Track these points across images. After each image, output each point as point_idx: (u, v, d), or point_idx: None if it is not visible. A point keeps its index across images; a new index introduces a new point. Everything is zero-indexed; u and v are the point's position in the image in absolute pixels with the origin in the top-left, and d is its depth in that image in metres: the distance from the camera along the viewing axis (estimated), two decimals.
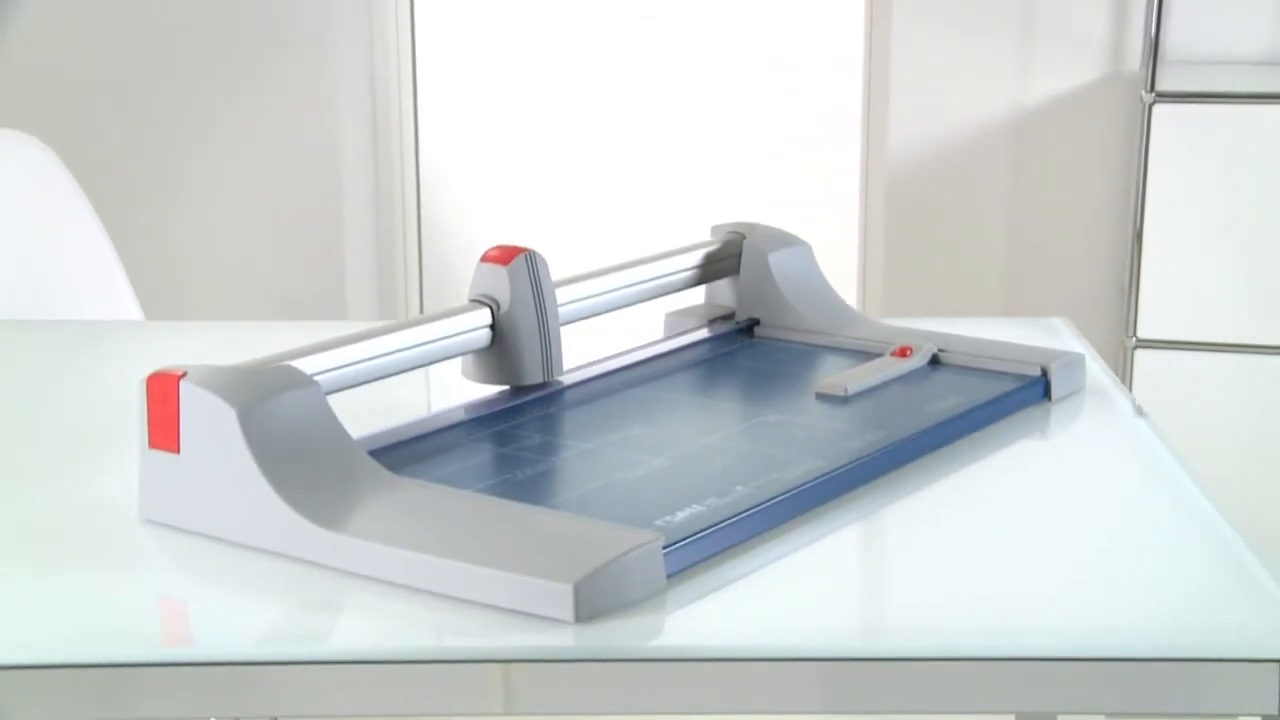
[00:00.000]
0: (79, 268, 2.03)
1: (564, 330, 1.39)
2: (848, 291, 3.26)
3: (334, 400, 1.18)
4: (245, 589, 0.91)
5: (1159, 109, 2.56)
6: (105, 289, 2.04)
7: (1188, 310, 2.61)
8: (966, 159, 2.85)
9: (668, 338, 1.32)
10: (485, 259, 1.16)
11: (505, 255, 1.15)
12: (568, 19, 3.26)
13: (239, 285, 3.12)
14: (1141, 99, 2.60)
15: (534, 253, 1.16)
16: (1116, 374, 2.79)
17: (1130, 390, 2.66)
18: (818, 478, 1.00)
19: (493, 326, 1.15)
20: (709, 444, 1.07)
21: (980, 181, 2.85)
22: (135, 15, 3.03)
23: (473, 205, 3.37)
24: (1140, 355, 2.62)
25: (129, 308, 2.05)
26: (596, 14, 3.28)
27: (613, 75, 3.30)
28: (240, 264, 3.11)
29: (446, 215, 3.36)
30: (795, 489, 0.98)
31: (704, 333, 1.33)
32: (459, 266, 3.34)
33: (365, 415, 1.10)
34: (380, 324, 1.12)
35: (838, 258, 3.28)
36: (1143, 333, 2.62)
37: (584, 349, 1.30)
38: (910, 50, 2.83)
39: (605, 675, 0.83)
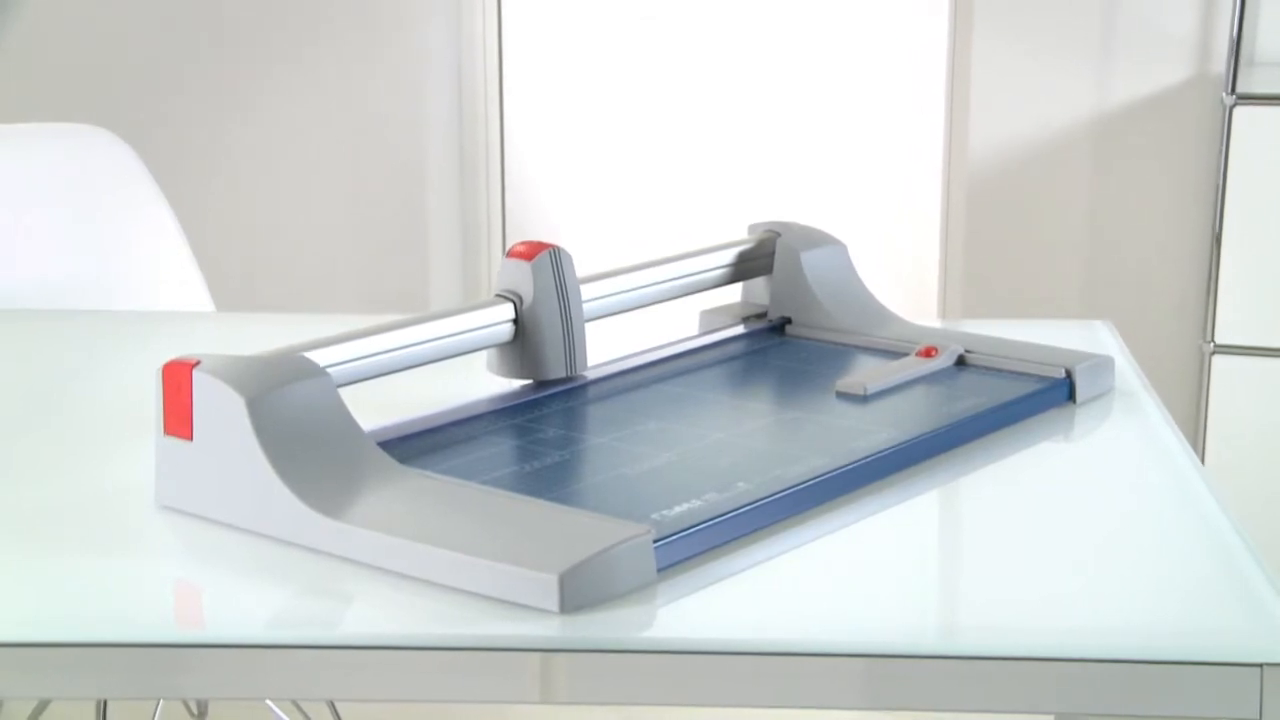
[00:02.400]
0: (153, 261, 2.07)
1: (599, 326, 1.41)
2: (928, 293, 3.24)
3: (366, 392, 1.20)
4: (252, 574, 0.92)
5: (1240, 111, 2.53)
6: (178, 282, 2.08)
7: (1267, 315, 2.58)
8: (1047, 161, 2.83)
9: (698, 335, 1.32)
10: (510, 254, 1.17)
11: (530, 251, 1.16)
12: (653, 18, 3.28)
13: (321, 282, 3.16)
14: (1223, 101, 2.57)
15: (558, 248, 1.17)
16: (1194, 379, 2.76)
17: (1207, 395, 2.63)
18: (820, 475, 1.00)
19: (516, 321, 1.16)
20: (718, 440, 1.07)
21: (1060, 184, 2.83)
22: (219, 10, 3.07)
23: (558, 202, 3.39)
24: (1218, 360, 2.59)
25: (201, 300, 2.09)
26: (682, 15, 3.29)
27: (702, 76, 3.31)
28: (322, 261, 3.15)
29: (531, 212, 3.38)
30: (796, 486, 0.99)
31: (735, 330, 1.33)
32: None
33: (406, 407, 1.12)
34: (403, 317, 1.13)
35: (919, 260, 3.26)
36: (1220, 338, 2.59)
37: (617, 345, 1.31)
38: (993, 52, 2.81)
39: (587, 665, 0.84)
